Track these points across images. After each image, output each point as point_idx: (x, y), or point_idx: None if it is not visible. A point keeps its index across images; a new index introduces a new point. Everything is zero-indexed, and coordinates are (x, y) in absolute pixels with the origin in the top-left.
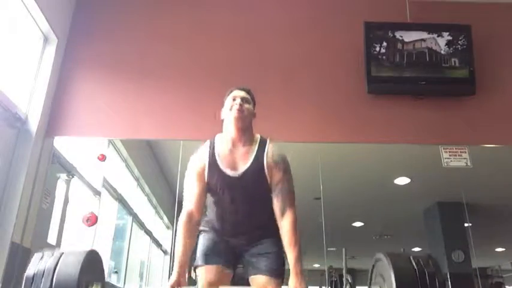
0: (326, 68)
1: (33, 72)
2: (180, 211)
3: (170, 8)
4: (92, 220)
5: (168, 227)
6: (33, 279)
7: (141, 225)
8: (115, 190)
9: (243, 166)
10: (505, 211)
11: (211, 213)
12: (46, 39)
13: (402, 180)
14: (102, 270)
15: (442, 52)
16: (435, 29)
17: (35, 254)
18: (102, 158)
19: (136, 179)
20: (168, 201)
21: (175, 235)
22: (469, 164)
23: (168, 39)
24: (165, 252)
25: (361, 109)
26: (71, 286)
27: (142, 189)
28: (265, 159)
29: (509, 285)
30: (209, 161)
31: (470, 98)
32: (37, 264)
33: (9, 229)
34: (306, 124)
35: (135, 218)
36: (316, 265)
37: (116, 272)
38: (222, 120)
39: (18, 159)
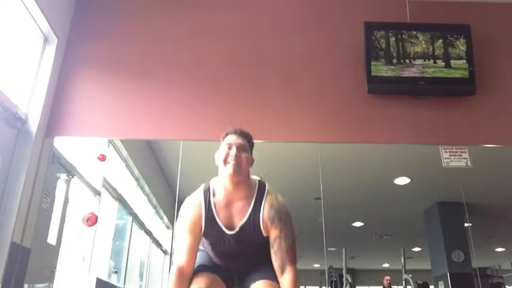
0: (326, 68)
1: (33, 72)
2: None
3: (170, 8)
4: (92, 220)
5: (168, 227)
6: None
7: (141, 225)
8: (115, 190)
9: (239, 222)
10: (505, 211)
11: (208, 249)
12: (46, 39)
13: (402, 180)
14: None
15: (442, 52)
16: (435, 29)
17: None
18: (102, 158)
19: (136, 179)
20: (168, 201)
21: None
22: (469, 164)
23: (168, 39)
24: (165, 252)
25: (361, 109)
26: None
27: (142, 189)
28: (261, 217)
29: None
30: (206, 213)
31: (470, 98)
32: None
33: (9, 229)
34: (306, 124)
35: (135, 218)
36: (316, 265)
37: (116, 272)
38: (217, 166)
39: (18, 159)
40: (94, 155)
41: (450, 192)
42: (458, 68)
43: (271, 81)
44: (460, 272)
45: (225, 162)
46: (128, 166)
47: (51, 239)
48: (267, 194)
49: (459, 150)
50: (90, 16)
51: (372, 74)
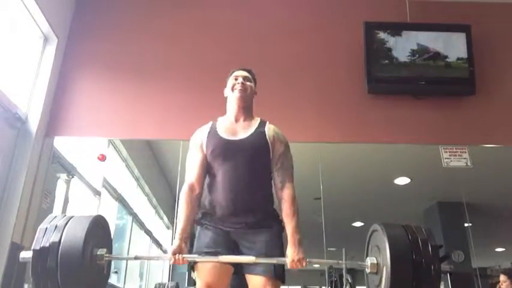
0: (326, 68)
1: (33, 72)
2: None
3: (170, 8)
4: None
5: (168, 227)
6: (40, 249)
7: (141, 225)
8: (115, 190)
9: (244, 134)
10: (505, 211)
11: (210, 192)
12: (46, 39)
13: (402, 180)
14: (109, 235)
15: (442, 52)
16: (435, 28)
17: (44, 221)
18: (102, 158)
19: (137, 179)
20: (168, 201)
21: (175, 233)
22: (469, 164)
23: (168, 39)
24: (165, 252)
25: (361, 109)
26: (77, 250)
27: (142, 189)
28: (266, 131)
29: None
30: (209, 132)
31: (470, 98)
32: (44, 232)
33: (9, 229)
34: (306, 124)
35: (135, 218)
36: (316, 265)
37: (116, 272)
38: (226, 98)
39: (18, 159)
40: (94, 155)
41: (450, 192)
42: (458, 68)
43: (271, 81)
44: (460, 272)
45: (233, 89)
46: (128, 166)
47: None
48: (268, 123)
49: (459, 150)
50: (90, 16)
51: (372, 74)
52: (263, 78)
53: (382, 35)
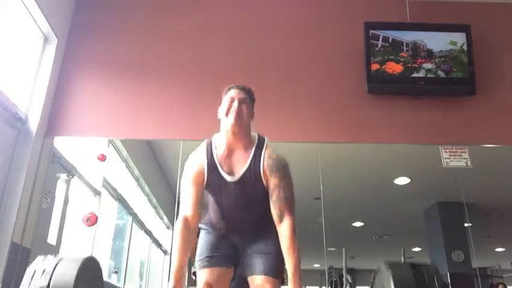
0: (326, 68)
1: (33, 72)
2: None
3: (170, 8)
4: (92, 220)
5: (168, 227)
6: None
7: (141, 225)
8: (115, 190)
9: (240, 170)
10: (505, 211)
11: (211, 210)
12: (46, 39)
13: (402, 180)
14: (100, 279)
15: (442, 52)
16: (435, 28)
17: (32, 263)
18: (102, 158)
19: (137, 179)
20: (168, 201)
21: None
22: (469, 164)
23: (168, 39)
24: (165, 252)
25: (361, 109)
26: None
27: (142, 189)
28: (261, 165)
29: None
30: (208, 162)
31: (470, 98)
32: (34, 269)
33: (9, 229)
34: (306, 124)
35: (135, 218)
36: (316, 265)
37: (116, 272)
38: (219, 120)
39: (18, 159)
40: (94, 155)
41: (450, 192)
42: (458, 68)
43: (272, 81)
44: (460, 272)
45: (227, 114)
46: (127, 166)
47: (51, 239)
48: (266, 145)
49: (459, 150)
50: (90, 16)
51: (372, 74)
52: (263, 78)
53: (382, 35)
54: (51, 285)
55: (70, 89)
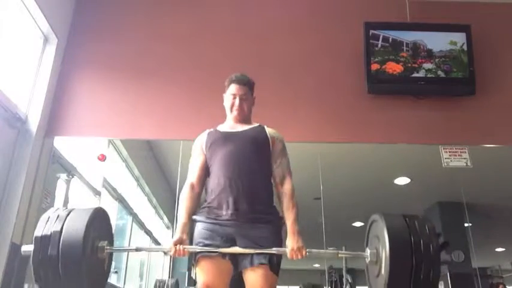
0: (326, 68)
1: (33, 72)
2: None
3: (170, 8)
4: None
5: (168, 227)
6: (41, 237)
7: (141, 225)
8: (115, 190)
9: (244, 128)
10: (505, 211)
11: (210, 187)
12: (46, 39)
13: (402, 180)
14: (110, 228)
15: (442, 52)
16: (435, 28)
17: (45, 212)
18: (102, 158)
19: (137, 179)
20: (168, 201)
21: (175, 228)
22: (469, 164)
23: (168, 39)
24: (165, 252)
25: (361, 109)
26: (78, 239)
27: (143, 189)
28: (266, 129)
29: (510, 285)
30: (208, 133)
31: (470, 98)
32: (46, 221)
33: (9, 229)
34: (306, 124)
35: (135, 218)
36: (316, 265)
37: (116, 272)
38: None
39: (18, 159)
40: (94, 155)
41: (450, 192)
42: (458, 68)
43: (271, 81)
44: (460, 272)
45: (231, 109)
46: (127, 166)
47: None
48: (266, 127)
49: (459, 150)
50: (90, 16)
51: (372, 74)
52: (263, 78)
53: (382, 34)
54: (63, 230)
55: (70, 89)
